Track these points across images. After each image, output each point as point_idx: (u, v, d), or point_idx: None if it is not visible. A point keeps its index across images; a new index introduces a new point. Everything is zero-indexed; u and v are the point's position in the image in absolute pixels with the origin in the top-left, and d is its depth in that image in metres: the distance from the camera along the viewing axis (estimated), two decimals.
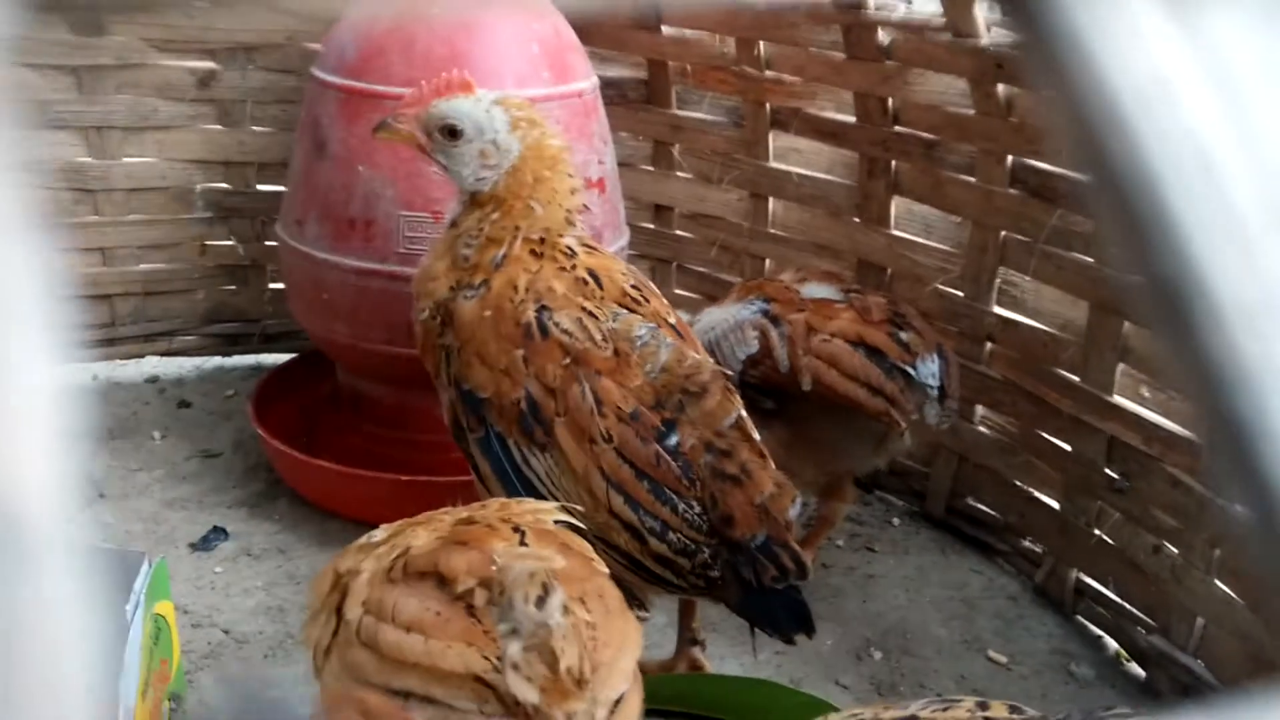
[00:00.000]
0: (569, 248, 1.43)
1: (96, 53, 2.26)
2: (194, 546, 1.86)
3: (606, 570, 1.09)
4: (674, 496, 1.31)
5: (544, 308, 1.37)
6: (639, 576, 1.35)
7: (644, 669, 1.58)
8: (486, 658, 0.92)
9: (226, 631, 1.65)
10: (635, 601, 1.36)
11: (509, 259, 1.41)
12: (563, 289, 1.38)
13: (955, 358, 1.67)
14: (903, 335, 1.60)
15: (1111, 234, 0.29)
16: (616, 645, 0.98)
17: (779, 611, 1.32)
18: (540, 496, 1.34)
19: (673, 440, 1.33)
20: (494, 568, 0.96)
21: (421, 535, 1.06)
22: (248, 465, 2.11)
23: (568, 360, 1.35)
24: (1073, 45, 0.28)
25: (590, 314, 1.37)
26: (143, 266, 2.42)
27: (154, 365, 2.49)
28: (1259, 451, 0.28)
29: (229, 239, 2.46)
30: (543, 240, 1.42)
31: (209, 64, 2.34)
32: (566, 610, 0.94)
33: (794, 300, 1.67)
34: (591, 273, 1.42)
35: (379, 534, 1.11)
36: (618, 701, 0.96)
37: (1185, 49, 0.29)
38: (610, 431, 1.32)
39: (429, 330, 1.47)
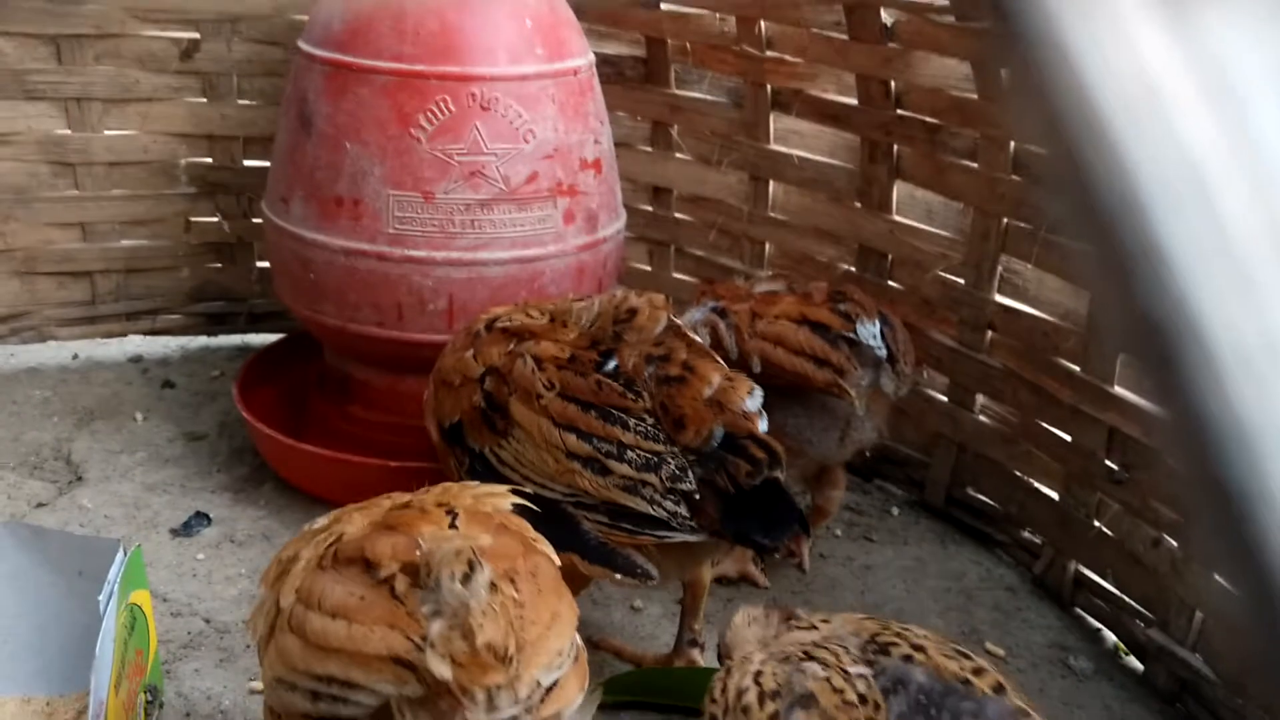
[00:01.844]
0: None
1: (75, 21, 2.20)
2: (175, 532, 1.81)
3: (551, 551, 1.08)
4: (622, 415, 1.32)
5: (494, 319, 1.49)
6: (624, 533, 1.31)
7: (640, 661, 1.57)
8: (409, 638, 0.92)
9: (208, 620, 1.61)
10: (639, 571, 1.31)
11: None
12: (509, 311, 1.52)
13: (900, 323, 1.70)
14: (842, 307, 1.64)
15: (1092, 266, 0.25)
16: (545, 623, 0.96)
17: (772, 509, 1.27)
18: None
19: (611, 365, 1.36)
20: (418, 552, 0.96)
21: (357, 521, 1.06)
22: (232, 448, 2.06)
23: (511, 344, 1.42)
24: (1053, 48, 0.24)
25: (532, 308, 1.50)
26: (125, 243, 2.36)
27: (137, 344, 2.43)
28: (1254, 519, 0.24)
29: (214, 215, 2.40)
30: None
31: (192, 34, 2.27)
32: (494, 588, 0.93)
33: (741, 295, 1.71)
34: (540, 309, 1.54)
35: (321, 520, 1.11)
36: (551, 687, 0.94)
37: (1179, 55, 0.25)
38: (551, 380, 1.36)
39: (437, 444, 1.56)
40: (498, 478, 1.36)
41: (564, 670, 0.96)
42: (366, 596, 0.95)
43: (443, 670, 0.89)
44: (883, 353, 1.61)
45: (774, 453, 1.28)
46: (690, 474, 1.28)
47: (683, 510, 1.28)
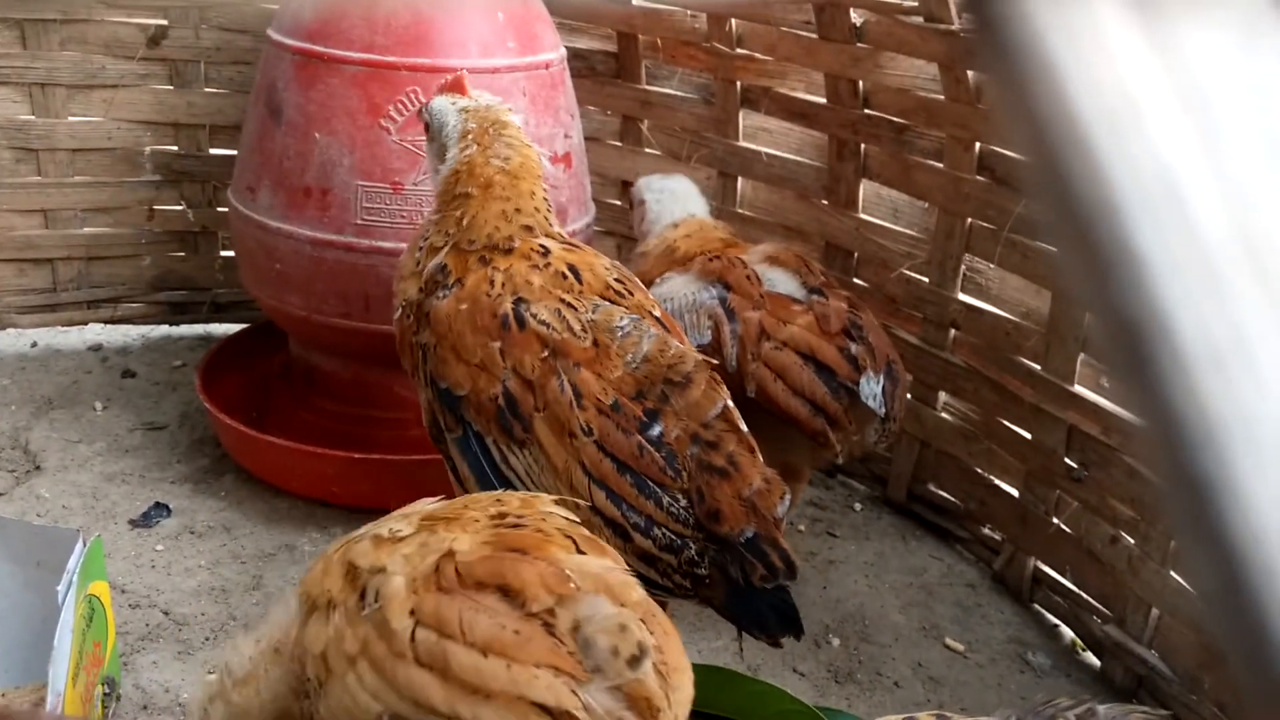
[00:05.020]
0: (542, 247, 1.40)
1: (41, 6, 2.16)
2: (134, 523, 1.79)
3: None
4: (658, 490, 1.27)
5: (521, 300, 1.34)
6: None
7: None
8: (575, 693, 0.86)
9: (166, 612, 1.59)
10: None
11: (455, 270, 1.40)
12: (540, 282, 1.36)
13: (905, 377, 1.64)
14: (853, 349, 1.57)
15: (1070, 267, 0.26)
16: (684, 669, 0.94)
17: (767, 612, 1.28)
18: None
19: (655, 431, 1.29)
20: (572, 585, 0.90)
21: (463, 538, 0.95)
22: (193, 439, 2.04)
23: (546, 352, 1.31)
24: (1037, 60, 0.26)
25: (569, 305, 1.34)
26: (87, 230, 2.33)
27: (97, 333, 2.40)
28: (1222, 510, 0.25)
29: (179, 203, 2.38)
30: (486, 252, 1.40)
31: (160, 21, 2.25)
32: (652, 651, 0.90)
33: (752, 295, 1.62)
34: (571, 267, 1.39)
35: (400, 527, 1.00)
36: None
37: (1157, 69, 0.26)
38: (590, 424, 1.28)
39: (405, 328, 1.44)
40: (496, 472, 1.32)
41: None
42: (521, 631, 0.87)
43: None
44: (881, 412, 1.57)
45: (791, 564, 1.28)
46: (706, 559, 1.27)
47: (687, 584, 1.28)
